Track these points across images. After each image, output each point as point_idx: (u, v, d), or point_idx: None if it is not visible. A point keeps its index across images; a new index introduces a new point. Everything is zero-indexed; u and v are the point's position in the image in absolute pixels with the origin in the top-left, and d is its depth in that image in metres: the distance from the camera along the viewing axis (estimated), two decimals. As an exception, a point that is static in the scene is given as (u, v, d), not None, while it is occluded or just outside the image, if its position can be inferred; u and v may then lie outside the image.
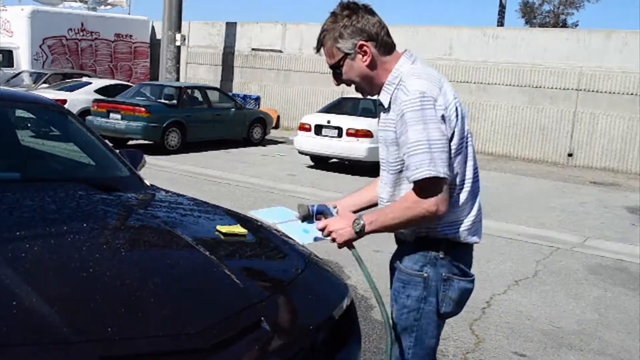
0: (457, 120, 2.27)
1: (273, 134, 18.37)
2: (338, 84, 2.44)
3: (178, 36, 20.10)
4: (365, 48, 2.30)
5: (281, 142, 17.43)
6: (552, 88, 17.02)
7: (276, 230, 3.12)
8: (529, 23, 42.20)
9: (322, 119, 13.07)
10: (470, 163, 2.35)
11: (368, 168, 12.89)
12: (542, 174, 14.59)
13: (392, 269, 2.52)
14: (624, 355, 4.70)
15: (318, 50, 2.43)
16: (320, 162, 13.62)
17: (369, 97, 2.50)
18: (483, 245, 7.06)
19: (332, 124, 12.78)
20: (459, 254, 2.40)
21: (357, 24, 2.29)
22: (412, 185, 2.24)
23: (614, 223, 9.73)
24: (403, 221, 2.27)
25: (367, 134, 12.36)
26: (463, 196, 2.34)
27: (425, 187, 2.19)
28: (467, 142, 2.33)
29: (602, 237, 8.62)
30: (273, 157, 14.75)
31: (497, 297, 5.77)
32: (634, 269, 7.13)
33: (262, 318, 2.13)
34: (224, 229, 2.80)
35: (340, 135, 12.61)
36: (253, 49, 22.24)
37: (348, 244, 2.37)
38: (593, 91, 16.52)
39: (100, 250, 2.42)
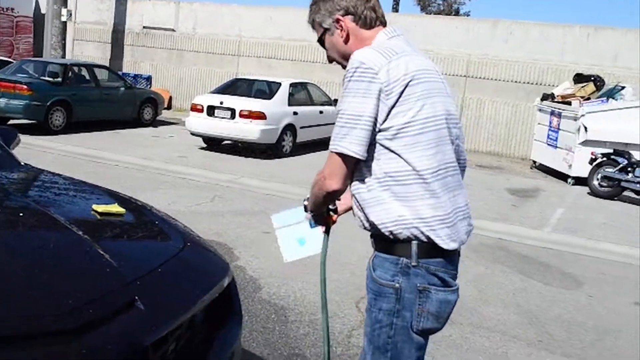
0: (404, 97, 2.08)
1: (165, 114, 17.96)
2: (331, 62, 2.38)
3: (64, 11, 19.21)
4: (341, 22, 2.24)
5: (173, 124, 17.07)
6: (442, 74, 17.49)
7: (157, 210, 3.05)
8: (424, 11, 43.18)
9: (215, 99, 12.88)
10: (447, 148, 2.17)
11: (261, 150, 12.86)
12: (431, 157, 15.00)
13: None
14: (500, 327, 4.93)
15: (313, 26, 2.36)
16: (213, 143, 13.45)
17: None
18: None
19: (225, 105, 12.62)
20: (438, 261, 2.15)
21: None
22: (360, 164, 2.14)
23: (496, 204, 10.19)
24: (317, 195, 2.24)
25: (261, 116, 12.30)
26: (436, 186, 2.11)
27: (334, 160, 2.11)
28: (440, 126, 2.16)
29: (485, 218, 8.99)
30: (164, 138, 14.43)
31: (383, 275, 5.89)
32: (512, 247, 7.49)
33: (137, 297, 2.06)
34: (100, 208, 2.70)
35: (233, 116, 12.48)
36: (145, 27, 21.58)
37: (320, 223, 2.43)
38: (480, 78, 17.18)
39: (-38, 230, 2.28)
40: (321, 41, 2.32)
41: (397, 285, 2.12)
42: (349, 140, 2.06)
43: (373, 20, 2.26)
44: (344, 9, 2.23)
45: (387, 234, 2.12)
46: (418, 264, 2.11)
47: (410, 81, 2.09)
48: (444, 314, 2.19)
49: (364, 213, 2.18)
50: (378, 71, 2.05)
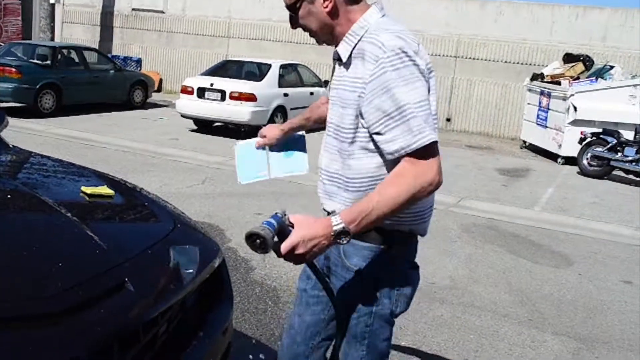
0: (431, 87, 1.97)
1: (155, 97, 17.86)
2: (294, 28, 2.12)
3: (52, -7, 19.03)
4: None
5: (163, 106, 16.99)
6: (431, 55, 17.45)
7: (147, 192, 3.04)
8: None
9: (205, 81, 12.83)
10: None
11: (252, 132, 12.82)
12: (422, 138, 15.02)
13: (328, 265, 2.20)
14: (491, 306, 4.97)
15: None
16: (204, 126, 13.40)
17: (325, 44, 2.15)
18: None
19: (215, 87, 12.57)
20: (409, 246, 2.13)
21: None
22: (372, 159, 1.98)
23: (487, 184, 10.22)
24: (402, 205, 1.84)
25: (251, 97, 12.26)
26: None
27: (425, 156, 1.85)
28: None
29: (475, 198, 9.03)
30: (154, 120, 14.36)
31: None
32: (503, 227, 7.52)
33: (127, 279, 2.06)
34: (89, 190, 2.68)
35: (223, 98, 12.43)
36: (134, 9, 21.40)
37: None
38: (470, 58, 17.16)
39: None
40: (293, 6, 2.04)
41: (376, 274, 2.08)
42: (431, 127, 1.86)
43: None
44: None
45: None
46: (397, 251, 2.09)
47: (431, 71, 2.00)
48: (413, 295, 2.19)
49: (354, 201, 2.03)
50: (417, 53, 1.92)
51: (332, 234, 1.80)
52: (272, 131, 2.67)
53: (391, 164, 1.94)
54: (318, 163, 2.21)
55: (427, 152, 1.85)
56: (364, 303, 2.09)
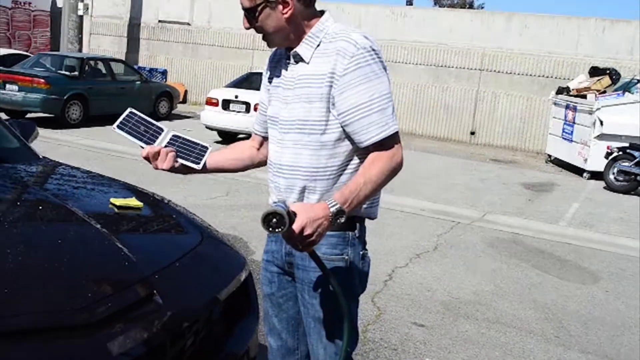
0: None
1: (180, 108, 18.01)
2: (248, 29, 2.18)
3: (80, 5, 19.30)
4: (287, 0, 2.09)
5: (188, 117, 17.12)
6: (456, 67, 17.47)
7: (175, 204, 3.06)
8: (437, 4, 42.98)
9: (230, 93, 12.91)
10: None
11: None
12: (446, 151, 15.00)
13: (291, 261, 2.29)
14: (516, 323, 4.92)
15: None
16: (228, 137, 13.46)
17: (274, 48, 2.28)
18: (386, 220, 7.23)
19: (239, 99, 12.65)
20: (364, 230, 2.30)
21: None
22: (343, 148, 2.13)
23: (511, 199, 10.14)
24: (381, 185, 2.10)
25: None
26: None
27: (394, 141, 2.10)
28: None
29: (500, 212, 8.96)
30: (180, 132, 14.43)
31: (398, 270, 5.90)
32: (528, 242, 7.45)
33: (155, 291, 2.07)
34: (118, 201, 2.71)
35: (248, 110, 12.50)
36: (160, 21, 21.64)
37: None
38: (495, 71, 17.08)
39: (-18, 224, 2.30)
40: (253, 10, 2.10)
41: (346, 257, 2.21)
42: (395, 117, 2.10)
43: (313, 1, 2.16)
44: None
45: None
46: (358, 235, 2.24)
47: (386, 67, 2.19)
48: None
49: (327, 192, 2.14)
50: (380, 52, 2.11)
51: (330, 214, 1.97)
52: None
53: (361, 150, 2.13)
54: (272, 160, 2.27)
55: (395, 138, 2.09)
56: (340, 285, 2.13)
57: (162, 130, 2.33)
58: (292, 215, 1.91)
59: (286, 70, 2.21)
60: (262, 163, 2.45)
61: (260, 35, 2.18)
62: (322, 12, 2.19)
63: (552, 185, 11.95)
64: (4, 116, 12.44)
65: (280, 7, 2.08)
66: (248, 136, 12.50)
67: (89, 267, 2.13)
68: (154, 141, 2.26)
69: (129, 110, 2.31)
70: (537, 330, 4.82)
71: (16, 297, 1.82)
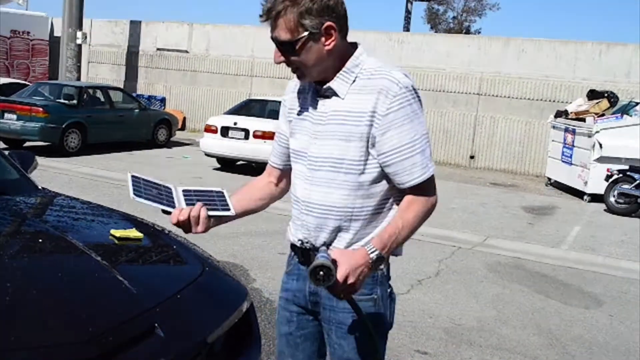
0: None
1: (179, 135, 18.03)
2: (279, 63, 2.06)
3: (79, 34, 19.41)
4: (332, 30, 1.97)
5: (187, 144, 17.13)
6: (454, 92, 17.54)
7: (175, 234, 3.04)
8: (434, 29, 43.35)
9: (229, 120, 12.94)
10: None
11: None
12: (445, 175, 14.97)
13: (317, 301, 2.21)
14: (519, 349, 4.87)
15: (267, 19, 1.99)
16: (227, 164, 13.48)
17: (307, 81, 2.13)
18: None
19: (238, 125, 12.66)
20: (389, 265, 2.23)
21: (328, 1, 1.96)
22: (380, 188, 2.08)
23: (512, 222, 10.11)
24: (416, 228, 2.06)
25: (274, 136, 12.32)
26: None
27: (430, 182, 2.06)
28: None
29: (501, 236, 8.93)
30: (178, 159, 14.48)
31: (400, 296, 5.84)
32: (530, 266, 7.41)
33: (156, 324, 2.05)
34: (118, 233, 2.69)
35: (247, 137, 12.51)
36: (158, 49, 21.76)
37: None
38: (493, 96, 17.15)
39: (-19, 257, 2.27)
40: (290, 43, 1.99)
41: (375, 296, 2.16)
42: (431, 160, 2.08)
43: (347, 30, 2.07)
44: (335, 14, 1.98)
45: None
46: (386, 272, 2.20)
47: None
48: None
49: (361, 232, 2.10)
50: (418, 90, 2.08)
51: (370, 261, 1.93)
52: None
53: (396, 190, 2.09)
54: (299, 196, 2.17)
55: (433, 181, 2.07)
56: (372, 324, 2.11)
57: (169, 188, 2.24)
58: (335, 265, 1.87)
59: (315, 103, 2.11)
60: (279, 197, 2.43)
61: (289, 68, 2.07)
62: (354, 45, 2.11)
63: (552, 208, 11.93)
64: (2, 145, 12.46)
65: (323, 38, 1.98)
66: (247, 163, 12.47)
67: (89, 300, 2.10)
68: (173, 201, 2.16)
69: (130, 174, 2.22)
70: (542, 356, 4.77)
71: (16, 331, 1.79)
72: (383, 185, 2.09)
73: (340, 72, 2.05)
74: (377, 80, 2.00)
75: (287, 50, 2.01)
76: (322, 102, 2.09)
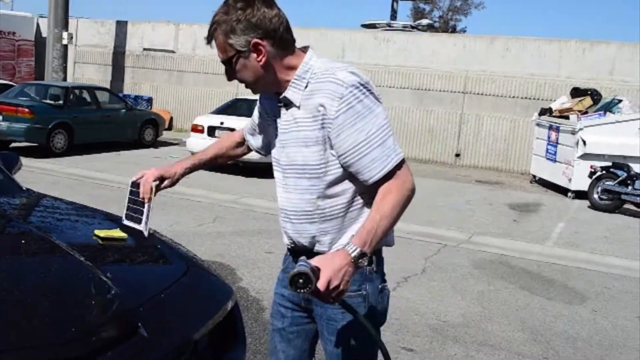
0: None
1: (166, 135, 18.00)
2: (230, 80, 2.15)
3: (65, 34, 19.31)
4: (260, 47, 2.01)
5: (174, 144, 17.11)
6: (440, 91, 17.61)
7: (160, 234, 3.05)
8: (416, 22, 43.45)
9: (216, 120, 12.94)
10: None
11: (262, 170, 12.86)
12: (431, 173, 15.05)
13: (309, 298, 2.23)
14: (504, 345, 4.92)
15: (209, 42, 2.09)
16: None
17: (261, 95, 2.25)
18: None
19: (225, 125, 12.66)
20: (381, 260, 2.26)
21: (251, 18, 1.99)
22: (346, 186, 2.10)
23: (497, 220, 10.18)
24: (397, 216, 2.03)
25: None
26: None
27: (400, 168, 2.05)
28: None
29: (487, 233, 8.99)
30: (165, 159, 14.44)
31: (386, 294, 5.88)
32: (515, 263, 7.48)
33: (140, 324, 2.07)
34: (102, 233, 2.71)
35: (233, 136, 12.50)
36: (145, 49, 21.70)
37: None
38: (478, 94, 17.23)
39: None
40: (229, 61, 2.07)
41: (364, 292, 2.17)
42: (397, 144, 2.06)
43: (289, 42, 2.08)
44: (262, 31, 2.01)
45: None
46: (376, 268, 2.21)
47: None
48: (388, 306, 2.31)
49: (339, 231, 2.15)
50: (369, 84, 2.06)
51: (352, 259, 1.92)
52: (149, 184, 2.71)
53: (364, 185, 2.08)
54: (279, 204, 2.27)
55: (400, 165, 2.05)
56: (356, 325, 2.14)
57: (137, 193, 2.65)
58: (316, 272, 1.88)
59: (279, 112, 2.17)
60: (234, 156, 2.71)
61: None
62: (305, 49, 2.13)
63: (537, 205, 12.02)
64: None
65: (254, 55, 2.03)
66: (235, 162, 12.31)
67: (72, 301, 2.12)
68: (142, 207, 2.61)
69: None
70: (526, 351, 4.82)
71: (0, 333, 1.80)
72: (349, 182, 2.11)
73: (292, 80, 2.09)
74: (323, 83, 2.03)
75: (227, 68, 2.10)
76: (283, 111, 2.15)
